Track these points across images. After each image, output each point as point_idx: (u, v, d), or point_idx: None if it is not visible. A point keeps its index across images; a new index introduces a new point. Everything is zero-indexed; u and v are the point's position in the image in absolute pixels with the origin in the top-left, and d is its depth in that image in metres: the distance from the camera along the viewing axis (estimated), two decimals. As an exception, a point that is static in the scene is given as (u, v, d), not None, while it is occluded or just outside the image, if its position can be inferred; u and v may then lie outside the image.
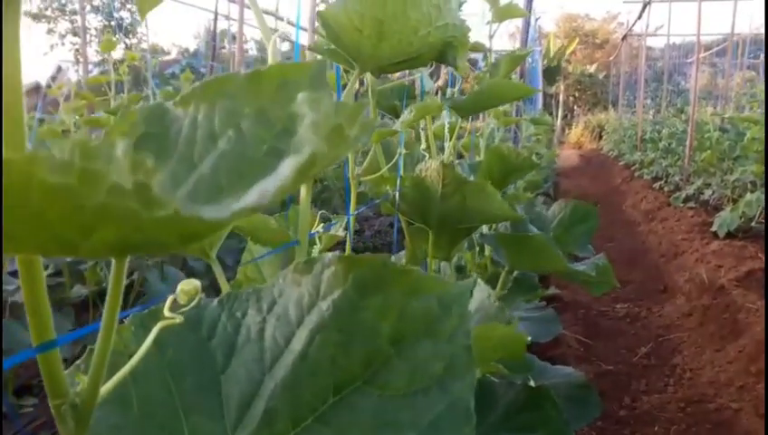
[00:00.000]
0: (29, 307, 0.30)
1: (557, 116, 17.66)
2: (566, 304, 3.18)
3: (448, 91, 1.94)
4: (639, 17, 10.88)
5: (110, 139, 0.30)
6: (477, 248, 1.87)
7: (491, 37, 1.85)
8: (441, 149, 1.60)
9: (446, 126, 1.54)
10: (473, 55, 2.68)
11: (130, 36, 13.06)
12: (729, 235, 3.93)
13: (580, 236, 1.60)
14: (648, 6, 9.95)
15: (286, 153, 0.26)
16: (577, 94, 24.23)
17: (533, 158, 1.64)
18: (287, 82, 0.28)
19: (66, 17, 16.35)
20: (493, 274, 1.75)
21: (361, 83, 1.13)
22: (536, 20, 7.93)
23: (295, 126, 0.26)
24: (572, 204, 1.69)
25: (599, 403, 1.46)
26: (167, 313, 0.40)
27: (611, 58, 20.08)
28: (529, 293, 1.70)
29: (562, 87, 20.34)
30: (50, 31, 16.50)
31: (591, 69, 24.63)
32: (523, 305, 1.84)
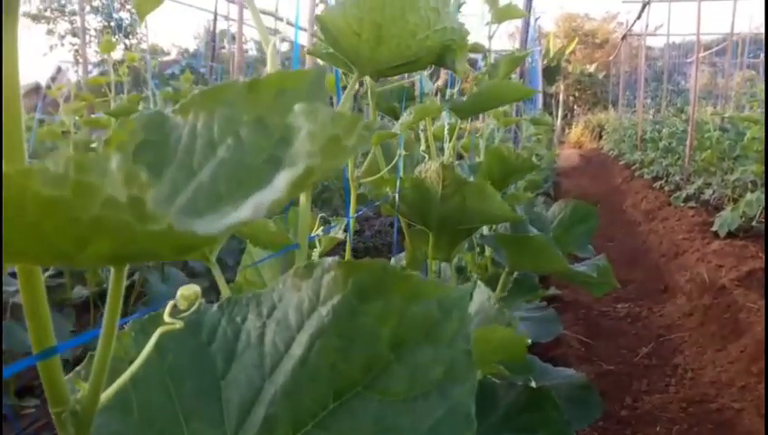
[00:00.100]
0: (29, 314, 0.30)
1: (557, 116, 17.65)
2: (567, 303, 3.17)
3: (448, 91, 1.94)
4: (639, 17, 10.88)
5: (109, 148, 0.30)
6: (478, 249, 1.87)
7: (490, 38, 1.85)
8: (441, 150, 1.60)
9: (446, 127, 1.54)
10: (472, 55, 2.68)
11: (130, 37, 13.07)
12: (730, 234, 3.92)
13: (581, 236, 1.60)
14: (647, 6, 9.95)
15: (285, 162, 0.26)
16: (577, 94, 24.22)
17: (533, 159, 1.64)
18: (286, 90, 0.28)
19: (66, 18, 16.35)
20: (493, 274, 1.75)
21: (360, 85, 1.13)
22: (536, 20, 7.93)
23: (293, 135, 0.26)
24: (572, 204, 1.69)
25: (600, 404, 1.46)
26: (167, 318, 0.40)
27: (611, 58, 20.08)
28: (529, 293, 1.70)
29: (562, 87, 20.33)
30: (49, 31, 16.51)
31: (591, 69, 24.63)
32: (523, 306, 1.84)
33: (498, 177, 1.50)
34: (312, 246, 0.77)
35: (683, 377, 2.47)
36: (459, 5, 1.66)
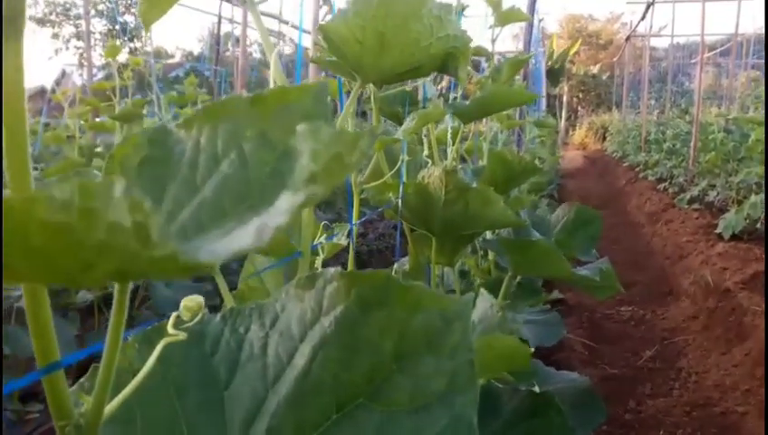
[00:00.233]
0: (33, 329, 0.30)
1: (561, 117, 17.63)
2: (570, 307, 3.17)
3: (451, 95, 1.94)
4: (643, 18, 10.86)
5: (113, 162, 0.30)
6: (481, 253, 1.87)
7: (493, 41, 1.85)
8: (444, 153, 1.60)
9: (449, 131, 1.54)
10: (475, 57, 2.68)
11: (135, 40, 13.12)
12: (734, 237, 3.91)
13: (584, 240, 1.60)
14: (651, 7, 9.94)
15: (288, 176, 0.26)
16: (581, 95, 24.20)
17: (536, 162, 1.64)
18: (288, 104, 0.28)
19: (71, 22, 16.42)
20: (496, 278, 1.75)
21: (364, 90, 1.13)
22: (539, 21, 7.93)
23: (297, 149, 0.27)
24: (576, 208, 1.69)
25: (603, 409, 1.45)
26: (170, 329, 0.40)
27: (615, 59, 20.04)
28: (533, 297, 1.70)
29: (566, 88, 20.32)
30: (54, 35, 16.58)
31: (595, 70, 24.60)
32: (527, 309, 1.84)
33: (501, 181, 1.50)
34: (315, 253, 0.77)
35: (687, 380, 2.46)
36: (462, 9, 1.66)
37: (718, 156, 5.05)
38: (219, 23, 7.95)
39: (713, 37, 12.27)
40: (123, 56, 3.75)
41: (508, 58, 1.88)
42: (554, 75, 15.62)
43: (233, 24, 8.65)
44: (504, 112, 2.19)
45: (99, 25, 14.82)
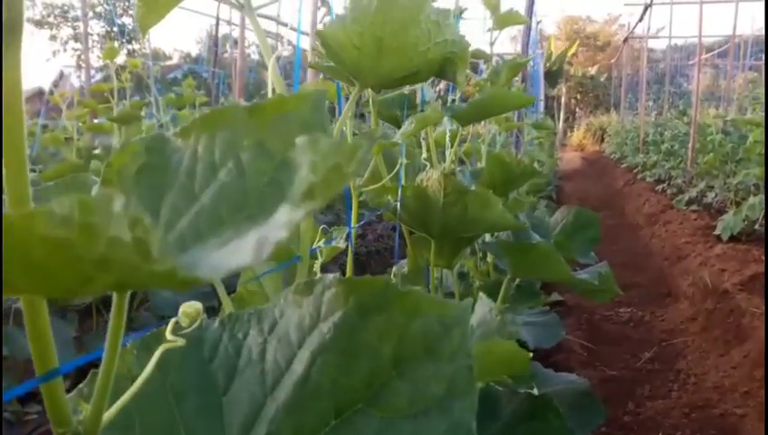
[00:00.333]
0: (31, 335, 0.30)
1: (559, 118, 17.66)
2: (569, 308, 3.17)
3: (449, 97, 1.94)
4: (641, 19, 10.88)
5: (111, 170, 0.30)
6: (480, 255, 1.87)
7: (492, 44, 1.85)
8: (442, 154, 1.60)
9: (448, 133, 1.54)
10: (474, 59, 2.69)
11: (133, 42, 13.12)
12: (732, 238, 3.91)
13: (583, 243, 1.60)
14: (649, 8, 9.96)
15: (287, 187, 0.26)
16: (579, 97, 24.23)
17: (535, 165, 1.64)
18: (286, 114, 0.28)
19: (68, 24, 16.43)
20: (495, 280, 1.75)
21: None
22: (537, 23, 7.94)
23: (295, 160, 0.27)
24: (575, 211, 1.69)
25: (602, 410, 1.46)
26: (169, 335, 0.40)
27: (613, 60, 20.08)
28: (532, 300, 1.70)
29: (564, 89, 20.34)
30: (52, 37, 16.59)
31: (593, 71, 24.64)
32: (526, 311, 1.84)
33: (500, 183, 1.50)
34: (314, 257, 0.77)
35: (686, 382, 2.46)
36: (461, 12, 1.66)
37: (716, 157, 5.06)
38: (217, 24, 7.96)
39: (710, 39, 12.29)
40: (121, 58, 3.75)
41: (507, 60, 1.88)
42: (552, 77, 15.64)
43: (231, 26, 8.66)
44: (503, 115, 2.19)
45: (97, 27, 14.83)
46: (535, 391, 1.24)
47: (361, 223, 1.09)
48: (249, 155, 0.28)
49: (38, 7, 16.04)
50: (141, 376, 0.36)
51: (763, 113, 4.72)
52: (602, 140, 15.80)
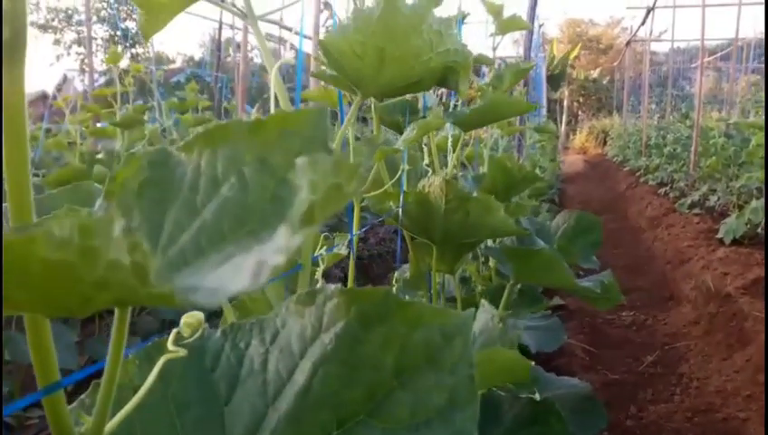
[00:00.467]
0: (33, 350, 0.30)
1: (561, 122, 17.66)
2: (571, 312, 3.16)
3: (451, 102, 1.94)
4: (643, 23, 10.88)
5: (114, 184, 0.30)
6: (482, 259, 1.87)
7: (494, 49, 1.85)
8: (444, 159, 1.60)
9: (450, 139, 1.54)
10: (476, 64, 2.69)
11: (136, 46, 13.15)
12: (735, 241, 3.91)
13: (585, 247, 1.60)
14: (651, 12, 9.95)
15: (288, 204, 0.27)
16: (581, 100, 24.22)
17: (537, 170, 1.64)
18: (288, 129, 0.29)
19: (72, 28, 16.50)
20: (497, 285, 1.75)
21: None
22: (540, 26, 7.94)
23: (296, 176, 0.27)
24: (577, 215, 1.69)
25: (604, 415, 1.45)
26: (170, 346, 0.40)
27: (615, 63, 20.06)
28: (534, 304, 1.70)
29: (566, 92, 20.34)
30: (56, 41, 16.66)
31: (595, 74, 24.64)
32: (528, 315, 1.84)
33: (502, 188, 1.50)
34: (315, 265, 0.77)
35: (688, 386, 2.45)
36: (463, 17, 1.66)
37: (719, 161, 5.05)
38: (220, 28, 7.98)
39: (713, 42, 12.29)
40: (124, 62, 3.76)
41: (509, 64, 1.88)
42: (555, 80, 15.64)
43: (234, 30, 8.67)
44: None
45: (100, 31, 14.89)
46: (537, 396, 1.23)
47: (364, 229, 1.10)
48: (251, 170, 0.29)
49: (42, 11, 16.12)
50: (143, 387, 0.37)
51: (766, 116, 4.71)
52: (605, 143, 15.80)
